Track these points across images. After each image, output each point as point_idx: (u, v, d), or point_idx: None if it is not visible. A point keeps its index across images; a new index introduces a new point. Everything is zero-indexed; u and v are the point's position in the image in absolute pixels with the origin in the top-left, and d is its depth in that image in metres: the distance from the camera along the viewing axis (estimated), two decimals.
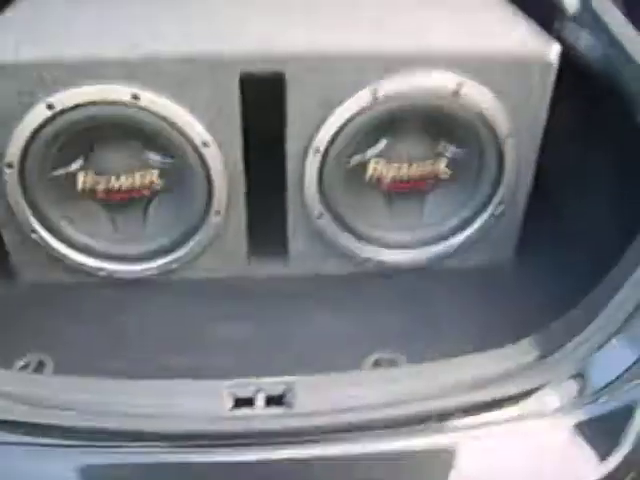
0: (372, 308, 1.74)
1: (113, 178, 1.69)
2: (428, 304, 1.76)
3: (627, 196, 1.56)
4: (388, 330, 1.66)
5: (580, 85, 1.69)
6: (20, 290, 1.81)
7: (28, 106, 1.54)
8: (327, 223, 1.75)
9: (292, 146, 1.64)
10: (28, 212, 1.67)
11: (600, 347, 1.28)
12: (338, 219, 1.75)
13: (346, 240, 1.79)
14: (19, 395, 1.24)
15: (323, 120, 1.60)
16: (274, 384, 1.25)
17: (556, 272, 1.73)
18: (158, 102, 1.56)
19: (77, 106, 1.54)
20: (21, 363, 1.58)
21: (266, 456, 1.20)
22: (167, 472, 1.22)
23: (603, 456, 1.23)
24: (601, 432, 1.26)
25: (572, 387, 1.27)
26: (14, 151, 1.58)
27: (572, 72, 1.64)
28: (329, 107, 1.59)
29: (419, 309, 1.74)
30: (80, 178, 1.68)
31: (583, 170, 1.87)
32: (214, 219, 1.71)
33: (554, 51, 1.59)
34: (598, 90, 1.66)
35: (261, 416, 1.22)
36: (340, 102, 1.58)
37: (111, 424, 1.19)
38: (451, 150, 1.71)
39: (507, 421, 1.24)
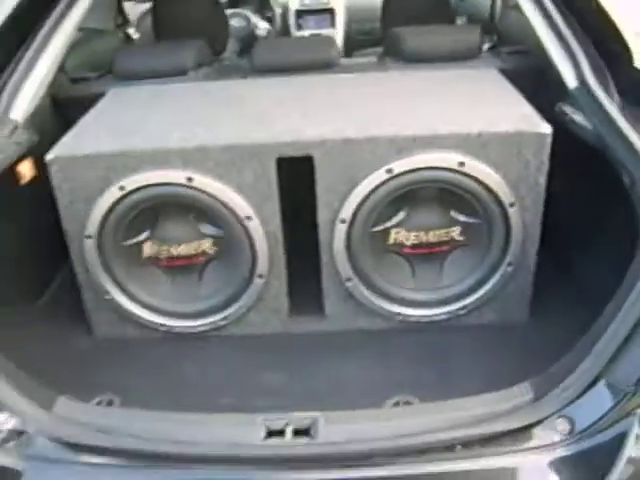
0: (395, 359, 1.91)
1: (173, 247, 1.96)
2: (444, 356, 1.91)
3: (626, 250, 1.65)
4: (408, 379, 1.82)
5: (579, 155, 1.89)
6: (95, 343, 2.07)
7: (104, 188, 1.84)
8: (356, 285, 1.96)
9: (322, 217, 1.87)
10: (103, 276, 1.95)
11: (585, 390, 1.42)
12: (365, 281, 1.95)
13: (373, 300, 1.98)
14: (93, 424, 1.50)
15: (347, 194, 1.83)
16: (301, 418, 1.46)
17: (566, 329, 1.78)
18: (208, 183, 1.83)
19: (143, 187, 1.83)
20: (95, 402, 1.81)
21: (292, 477, 1.40)
22: None
23: None
24: (588, 465, 1.39)
25: (562, 425, 1.41)
26: (93, 225, 1.87)
27: (569, 144, 1.83)
28: (352, 183, 1.82)
29: (437, 361, 1.89)
30: (146, 247, 1.96)
31: (588, 230, 2.03)
32: (258, 282, 1.94)
33: (546, 129, 1.79)
34: (593, 159, 1.82)
35: (289, 445, 1.43)
36: (361, 179, 1.82)
37: (165, 448, 1.42)
38: (462, 218, 1.91)
39: (502, 454, 1.40)
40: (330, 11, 4.25)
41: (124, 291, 1.99)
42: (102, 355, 2.02)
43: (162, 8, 3.26)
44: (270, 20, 4.33)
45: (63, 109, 2.35)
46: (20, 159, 2.02)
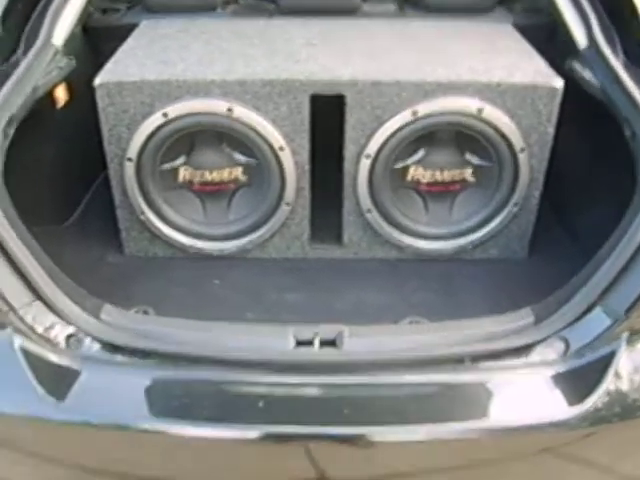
0: (409, 285, 2.10)
1: (207, 173, 2.10)
2: (453, 285, 2.11)
3: (621, 194, 1.80)
4: (420, 302, 2.01)
5: (584, 109, 2.05)
6: (127, 260, 2.22)
7: (148, 114, 1.97)
8: (374, 217, 2.13)
9: (348, 152, 2.03)
10: (140, 198, 2.09)
11: (582, 315, 1.62)
12: (383, 214, 2.12)
13: (389, 231, 2.15)
14: (138, 330, 1.66)
15: (374, 132, 1.99)
16: (328, 330, 1.62)
17: (562, 267, 1.95)
18: (247, 114, 1.96)
19: (185, 115, 1.97)
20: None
21: (316, 380, 1.57)
22: (243, 389, 1.59)
23: (584, 397, 1.54)
24: (580, 380, 1.58)
25: (559, 345, 1.60)
26: (134, 149, 2.00)
27: (577, 99, 2.00)
28: (379, 122, 1.98)
29: (445, 288, 2.09)
30: (181, 172, 2.10)
31: (587, 178, 2.22)
32: (285, 208, 2.10)
33: (558, 83, 1.96)
34: (599, 113, 1.99)
35: (317, 354, 1.60)
36: (388, 119, 1.97)
37: (204, 352, 1.58)
38: (475, 161, 2.09)
39: (506, 368, 1.59)
40: None
41: (158, 212, 2.12)
42: (134, 271, 2.17)
43: None
44: None
45: (93, 38, 2.44)
46: (56, 84, 2.12)
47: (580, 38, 2.13)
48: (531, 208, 2.14)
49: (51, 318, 1.61)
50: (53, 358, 1.58)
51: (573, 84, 2.04)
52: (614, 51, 2.04)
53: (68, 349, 1.60)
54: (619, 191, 1.83)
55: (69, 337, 1.61)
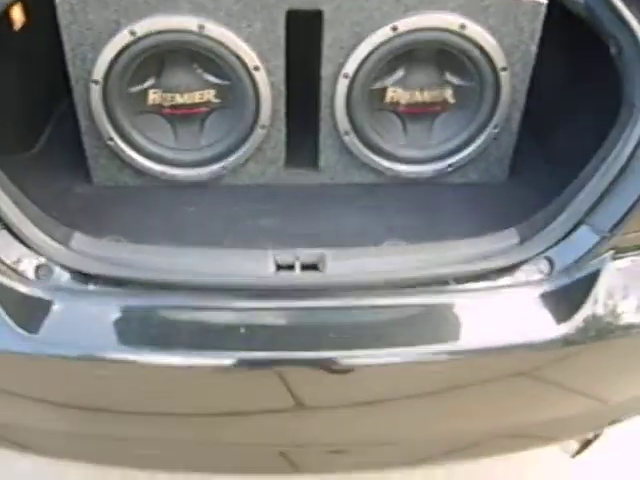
0: (387, 210, 2.06)
1: (178, 95, 2.00)
2: (433, 208, 2.07)
3: (603, 120, 1.78)
4: (399, 225, 1.97)
5: (567, 30, 1.99)
6: (96, 189, 2.13)
7: (114, 32, 1.86)
8: (352, 139, 2.07)
9: (326, 71, 1.95)
10: (107, 122, 1.99)
11: (567, 234, 1.61)
12: (361, 136, 2.06)
13: (367, 154, 2.10)
14: (109, 258, 1.60)
15: (352, 50, 1.91)
16: (309, 254, 1.59)
17: (542, 189, 1.95)
18: (220, 32, 1.87)
19: (154, 33, 1.86)
20: None
21: (299, 304, 1.55)
22: (223, 315, 1.56)
23: (569, 315, 1.56)
24: (567, 298, 1.58)
25: (544, 265, 1.60)
26: (100, 70, 1.90)
27: (559, 17, 1.95)
28: (358, 39, 1.90)
29: (425, 212, 2.05)
30: (150, 95, 2.00)
31: (569, 100, 2.17)
32: (259, 132, 2.02)
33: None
34: (581, 33, 1.93)
35: (298, 277, 1.56)
36: (367, 35, 1.89)
37: (180, 277, 1.54)
38: (456, 81, 2.03)
39: (491, 288, 1.59)
40: None
41: (126, 138, 2.03)
42: (104, 200, 2.09)
43: None
44: None
45: None
46: (11, 4, 2.00)
47: None
48: (511, 130, 2.10)
49: (19, 248, 1.55)
50: (23, 289, 1.53)
51: (555, 3, 1.97)
52: None
53: (38, 280, 1.55)
54: (601, 113, 1.80)
55: (38, 267, 1.56)
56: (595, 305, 1.57)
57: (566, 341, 1.55)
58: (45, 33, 2.01)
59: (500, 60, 1.95)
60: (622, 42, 1.73)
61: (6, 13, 1.96)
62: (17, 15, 2.05)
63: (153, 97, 2.01)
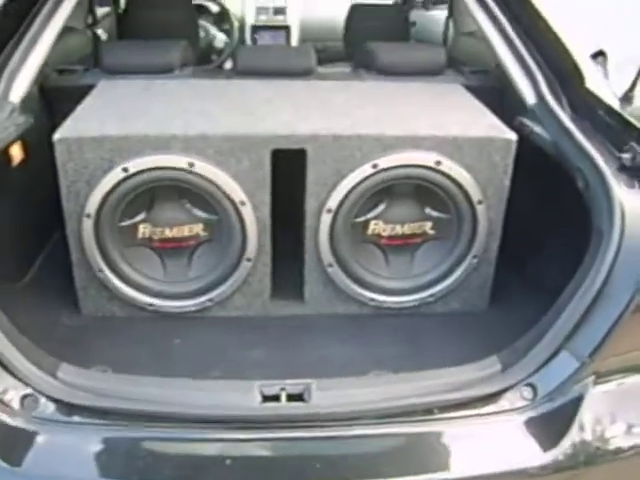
0: (372, 340, 2.08)
1: (167, 229, 2.07)
2: (416, 338, 2.09)
3: (578, 245, 1.84)
4: (384, 356, 1.98)
5: (536, 164, 2.12)
6: (83, 320, 2.15)
7: (108, 169, 1.95)
8: (335, 271, 2.13)
9: (310, 206, 2.04)
10: (97, 254, 2.04)
11: (548, 360, 1.63)
12: (344, 268, 2.12)
13: (351, 286, 2.15)
14: (96, 388, 1.60)
15: (335, 186, 2.01)
16: (295, 384, 1.60)
17: (523, 316, 1.94)
18: (208, 169, 1.96)
19: (146, 170, 1.95)
20: None
21: (285, 435, 1.55)
22: (208, 447, 1.55)
23: (555, 441, 1.56)
24: (552, 424, 1.60)
25: (527, 392, 1.62)
26: (93, 205, 1.97)
27: (529, 154, 2.07)
28: (340, 176, 2.00)
29: (409, 341, 2.07)
30: (141, 229, 2.07)
31: (542, 229, 2.27)
32: (246, 265, 2.08)
33: (512, 135, 2.03)
34: (550, 166, 2.06)
35: (284, 408, 1.57)
36: (348, 172, 1.99)
37: (167, 409, 1.54)
38: (435, 214, 2.12)
39: (475, 416, 1.59)
40: (286, 28, 4.46)
41: (116, 270, 2.08)
42: (91, 331, 2.10)
43: (133, 10, 3.39)
44: (227, 33, 4.49)
45: (50, 98, 2.44)
46: (12, 142, 2.10)
47: (528, 95, 2.22)
48: (490, 260, 2.17)
49: (5, 378, 1.55)
50: (7, 420, 1.52)
51: (523, 141, 2.10)
52: (561, 105, 2.13)
53: (23, 410, 1.54)
54: (574, 240, 1.87)
55: (24, 397, 1.55)
56: (581, 430, 1.58)
57: (554, 468, 1.54)
58: (40, 170, 2.10)
59: (476, 194, 2.05)
60: (588, 176, 1.85)
61: (5, 150, 2.05)
62: (16, 152, 2.15)
63: (143, 231, 2.07)
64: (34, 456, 1.49)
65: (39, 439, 1.51)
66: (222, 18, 4.51)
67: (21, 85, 2.14)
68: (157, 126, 1.99)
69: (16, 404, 1.53)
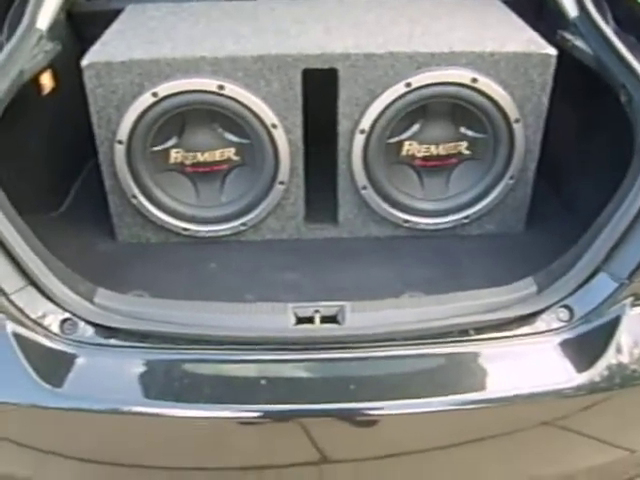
0: (406, 262, 2.07)
1: (199, 154, 2.06)
2: (450, 260, 2.08)
3: (618, 166, 1.79)
4: (418, 278, 1.98)
5: (577, 80, 2.05)
6: (119, 246, 2.18)
7: (137, 94, 1.93)
8: (369, 193, 2.10)
9: (342, 127, 2.01)
10: (131, 181, 2.05)
11: (585, 282, 1.61)
12: (378, 190, 2.10)
13: (385, 208, 2.13)
14: (133, 312, 1.63)
15: (367, 106, 1.96)
16: (329, 306, 1.61)
17: (559, 239, 1.94)
18: (238, 92, 1.93)
19: (175, 94, 1.93)
20: None
21: (318, 356, 1.56)
22: (243, 368, 1.58)
23: (591, 363, 1.55)
24: (588, 346, 1.58)
25: (563, 313, 1.60)
26: (124, 130, 1.97)
27: (570, 70, 1.99)
28: (372, 96, 1.95)
29: (443, 264, 2.06)
30: (172, 154, 2.06)
31: (582, 149, 2.20)
32: (278, 188, 2.07)
33: (551, 50, 1.94)
34: (591, 84, 1.99)
35: (317, 330, 1.59)
36: (381, 92, 1.95)
37: (202, 332, 1.57)
38: (470, 133, 2.06)
39: (511, 337, 1.59)
40: None
41: (149, 196, 2.08)
42: (127, 256, 2.13)
43: None
44: None
45: (78, 24, 2.41)
46: (41, 70, 2.08)
47: (570, 8, 2.12)
48: (527, 181, 2.12)
49: (44, 303, 1.59)
50: (47, 343, 1.57)
51: (565, 55, 2.02)
52: (605, 19, 2.03)
53: (62, 334, 1.58)
54: (615, 160, 1.82)
55: (63, 322, 1.59)
56: (617, 352, 1.56)
57: (589, 389, 1.54)
58: (72, 97, 2.09)
59: (513, 112, 1.99)
60: (631, 90, 1.78)
61: (35, 79, 2.05)
62: (46, 80, 2.14)
63: (175, 156, 2.06)
64: (74, 378, 1.54)
65: (78, 361, 1.55)
66: None
67: (48, 12, 2.11)
68: (186, 49, 1.95)
69: (55, 328, 1.57)
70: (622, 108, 1.80)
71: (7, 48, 1.89)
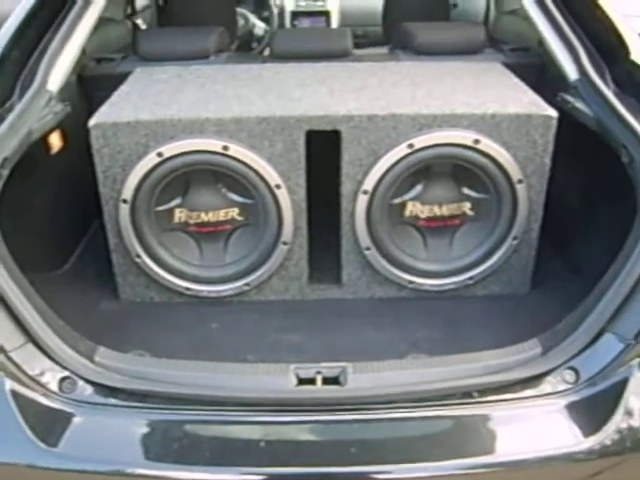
0: (410, 323, 2.05)
1: (203, 214, 2.07)
2: (454, 322, 2.06)
3: (621, 225, 1.78)
4: (422, 339, 1.96)
5: (579, 142, 2.05)
6: (122, 306, 2.18)
7: (143, 154, 1.96)
8: (373, 254, 2.10)
9: (346, 188, 2.02)
10: (135, 240, 2.06)
11: (591, 343, 1.58)
12: (382, 251, 2.09)
13: (389, 269, 2.12)
14: (132, 372, 1.61)
15: (370, 167, 1.98)
16: (331, 367, 1.59)
17: (564, 300, 1.91)
18: (243, 152, 1.96)
19: (180, 154, 1.95)
20: None
21: (320, 418, 1.53)
22: (244, 429, 1.55)
23: (599, 426, 1.51)
24: (594, 409, 1.54)
25: (569, 375, 1.57)
26: (129, 190, 1.99)
27: (571, 131, 2.01)
28: (375, 157, 1.97)
29: (448, 325, 2.04)
30: (177, 213, 2.08)
31: (585, 209, 2.20)
32: (282, 248, 2.07)
33: (553, 112, 1.97)
34: (592, 143, 1.99)
35: (319, 391, 1.56)
36: (384, 153, 1.96)
37: (202, 392, 1.55)
38: (473, 194, 2.07)
39: (516, 399, 1.55)
40: (325, 13, 4.41)
41: (153, 255, 2.09)
42: (130, 315, 2.13)
43: (172, 1, 3.41)
44: (266, 20, 4.48)
45: (87, 86, 2.47)
46: (50, 130, 2.12)
47: (570, 71, 2.14)
48: (531, 241, 2.11)
49: (43, 361, 1.57)
50: (45, 402, 1.54)
51: (566, 117, 2.05)
52: (604, 81, 2.06)
53: (61, 392, 1.56)
54: (618, 220, 1.82)
55: (62, 380, 1.57)
56: (626, 415, 1.52)
57: (597, 453, 1.49)
58: (79, 158, 2.11)
59: (515, 173, 2.00)
60: (633, 151, 1.78)
61: (44, 138, 2.08)
62: (54, 140, 2.18)
63: (179, 215, 2.08)
64: (71, 437, 1.51)
65: (76, 421, 1.53)
66: (261, 5, 4.50)
67: (59, 74, 2.16)
68: (191, 110, 1.99)
69: (54, 386, 1.55)
70: (624, 168, 1.81)
71: (18, 108, 1.94)
